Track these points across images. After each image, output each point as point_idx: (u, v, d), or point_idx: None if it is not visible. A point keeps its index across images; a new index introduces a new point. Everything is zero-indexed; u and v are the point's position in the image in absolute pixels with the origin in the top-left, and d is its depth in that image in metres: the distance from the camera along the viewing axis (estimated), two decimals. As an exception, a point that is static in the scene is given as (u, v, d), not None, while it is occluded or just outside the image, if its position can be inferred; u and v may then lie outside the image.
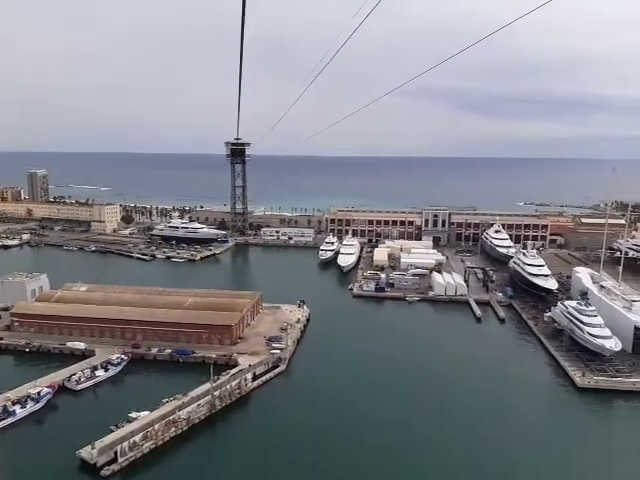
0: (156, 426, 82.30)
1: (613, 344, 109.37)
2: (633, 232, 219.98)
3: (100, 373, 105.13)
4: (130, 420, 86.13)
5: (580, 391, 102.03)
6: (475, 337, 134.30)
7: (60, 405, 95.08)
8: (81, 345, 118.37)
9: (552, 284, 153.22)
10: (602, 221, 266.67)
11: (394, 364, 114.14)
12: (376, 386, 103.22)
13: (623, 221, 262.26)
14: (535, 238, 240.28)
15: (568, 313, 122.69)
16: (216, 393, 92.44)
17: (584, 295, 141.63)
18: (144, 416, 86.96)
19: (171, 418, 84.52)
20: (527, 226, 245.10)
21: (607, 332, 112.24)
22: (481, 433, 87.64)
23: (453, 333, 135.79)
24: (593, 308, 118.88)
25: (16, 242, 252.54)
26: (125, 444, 77.63)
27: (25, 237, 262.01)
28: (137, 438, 79.22)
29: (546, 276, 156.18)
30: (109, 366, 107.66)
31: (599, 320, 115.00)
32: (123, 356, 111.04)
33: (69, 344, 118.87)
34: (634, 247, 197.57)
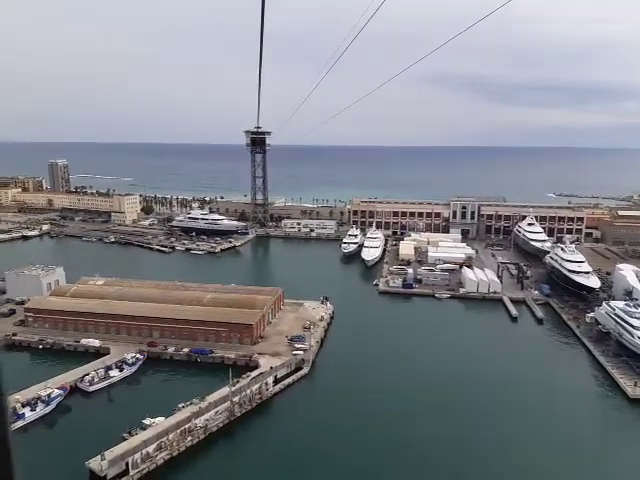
0: (171, 435, 76.31)
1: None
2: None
3: (114, 373, 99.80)
4: (144, 427, 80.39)
5: (632, 402, 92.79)
6: (511, 338, 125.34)
7: (72, 408, 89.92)
8: (96, 343, 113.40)
9: (594, 282, 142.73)
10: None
11: (425, 366, 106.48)
12: (405, 391, 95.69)
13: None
14: (570, 231, 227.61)
15: (615, 315, 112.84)
16: (235, 399, 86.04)
17: (629, 294, 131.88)
18: (158, 422, 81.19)
19: (187, 427, 78.39)
20: (562, 219, 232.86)
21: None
22: (520, 445, 79.83)
23: (487, 333, 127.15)
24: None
25: (36, 232, 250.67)
26: (137, 455, 71.84)
27: (45, 228, 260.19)
28: (150, 449, 73.30)
29: (587, 273, 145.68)
30: (124, 366, 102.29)
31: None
32: (138, 355, 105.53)
33: (83, 341, 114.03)
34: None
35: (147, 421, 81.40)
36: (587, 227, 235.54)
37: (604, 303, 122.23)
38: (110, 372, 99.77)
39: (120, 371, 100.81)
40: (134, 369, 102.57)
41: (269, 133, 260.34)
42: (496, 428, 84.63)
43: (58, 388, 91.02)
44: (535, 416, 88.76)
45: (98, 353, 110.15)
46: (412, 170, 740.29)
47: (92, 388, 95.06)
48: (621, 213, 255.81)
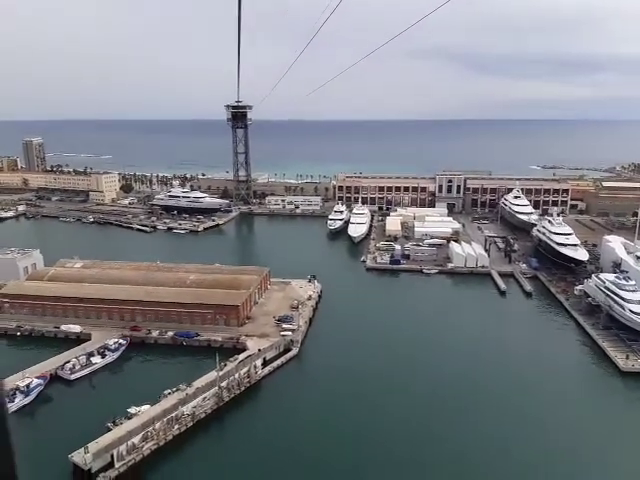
0: (157, 425, 73.49)
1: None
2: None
3: (96, 360, 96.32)
4: (129, 416, 77.53)
5: (624, 375, 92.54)
6: (501, 313, 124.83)
7: (52, 398, 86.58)
8: (76, 328, 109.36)
9: (582, 255, 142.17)
10: (625, 185, 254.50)
11: (414, 344, 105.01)
12: (396, 369, 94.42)
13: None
14: (555, 203, 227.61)
15: (605, 287, 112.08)
16: (223, 384, 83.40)
17: (618, 266, 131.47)
18: (144, 411, 78.33)
19: (174, 415, 75.65)
20: (547, 191, 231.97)
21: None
22: (513, 420, 79.35)
23: (476, 308, 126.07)
24: (634, 282, 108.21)
25: (11, 214, 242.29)
26: (123, 447, 69.00)
27: (21, 208, 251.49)
28: (136, 440, 70.49)
29: (575, 246, 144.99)
30: (106, 352, 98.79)
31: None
32: (121, 340, 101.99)
33: (63, 327, 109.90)
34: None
35: (132, 410, 78.44)
36: (572, 199, 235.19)
37: (593, 275, 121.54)
38: (92, 359, 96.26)
39: (102, 357, 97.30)
40: (117, 355, 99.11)
41: (250, 107, 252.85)
42: (487, 403, 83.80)
43: (37, 377, 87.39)
44: (526, 390, 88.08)
45: (79, 339, 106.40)
46: (397, 144, 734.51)
47: (74, 376, 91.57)
48: (605, 184, 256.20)
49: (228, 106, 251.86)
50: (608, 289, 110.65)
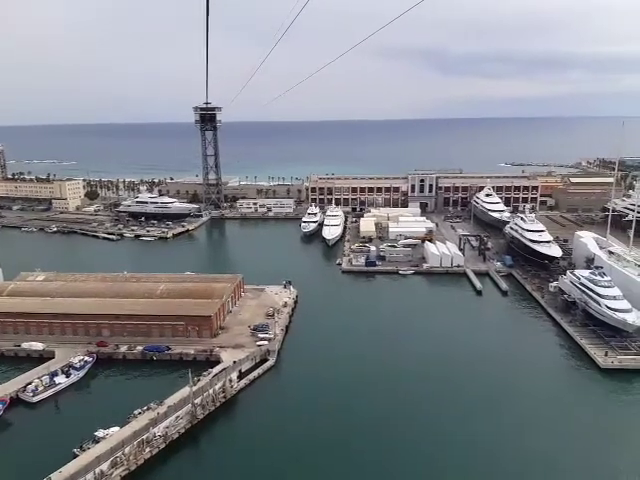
0: (127, 448, 69.06)
1: (635, 318, 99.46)
2: (630, 191, 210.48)
3: (61, 380, 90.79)
4: (97, 440, 72.88)
5: (603, 372, 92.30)
6: (478, 312, 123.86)
7: (13, 423, 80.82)
8: (39, 346, 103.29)
9: (556, 251, 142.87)
10: (592, 180, 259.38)
11: (393, 348, 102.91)
12: (377, 376, 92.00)
13: (612, 179, 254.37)
14: (525, 200, 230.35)
15: (580, 284, 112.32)
16: (197, 400, 79.24)
17: (590, 262, 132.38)
18: (113, 433, 73.80)
19: (144, 437, 71.24)
20: (517, 188, 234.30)
21: (627, 305, 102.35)
22: (493, 421, 78.12)
23: (454, 309, 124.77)
24: (609, 278, 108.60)
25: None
26: (90, 475, 64.40)
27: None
28: (105, 466, 65.96)
29: (548, 242, 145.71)
30: (71, 370, 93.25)
31: (617, 291, 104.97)
32: (87, 357, 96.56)
33: (25, 345, 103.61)
34: (631, 207, 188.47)
35: (100, 433, 73.86)
36: (541, 195, 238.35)
37: (568, 272, 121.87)
38: (56, 378, 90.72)
39: (67, 377, 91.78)
40: (82, 373, 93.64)
41: (219, 109, 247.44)
42: (466, 405, 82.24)
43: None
44: (506, 390, 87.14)
45: (42, 358, 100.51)
46: (365, 144, 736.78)
47: (36, 398, 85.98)
48: (574, 180, 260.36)
49: (196, 108, 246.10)
50: (583, 285, 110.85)
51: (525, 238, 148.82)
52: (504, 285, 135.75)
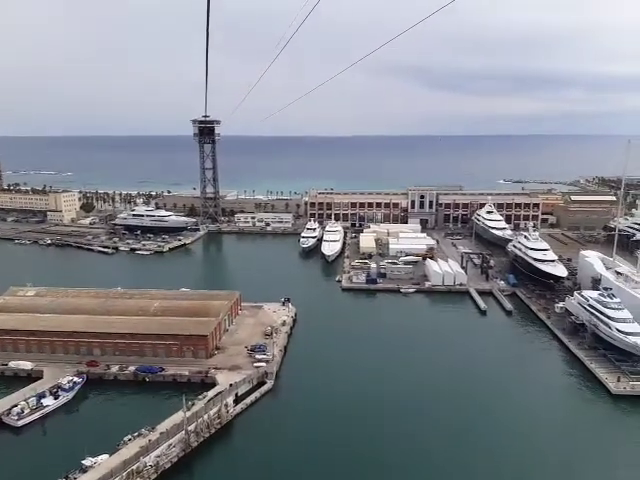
0: (116, 479, 64.60)
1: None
2: (633, 210, 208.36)
3: (48, 402, 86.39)
4: (84, 469, 68.55)
5: (615, 398, 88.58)
6: (482, 333, 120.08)
7: (-5, 449, 76.17)
8: (27, 365, 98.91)
9: (561, 271, 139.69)
10: (593, 198, 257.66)
11: (397, 371, 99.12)
12: (378, 400, 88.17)
13: (613, 197, 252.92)
14: (526, 218, 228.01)
15: (589, 306, 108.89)
16: (191, 427, 74.97)
17: (597, 282, 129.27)
18: (101, 462, 69.43)
19: (135, 467, 66.84)
20: (518, 205, 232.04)
21: (638, 328, 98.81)
22: (501, 448, 74.47)
23: (458, 329, 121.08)
24: (619, 300, 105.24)
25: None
26: (74, 510, 59.90)
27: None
28: (90, 500, 61.52)
29: (553, 261, 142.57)
30: (59, 392, 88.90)
31: (627, 314, 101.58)
32: (76, 378, 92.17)
33: (12, 364, 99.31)
34: (635, 226, 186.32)
35: (87, 461, 69.53)
36: (542, 213, 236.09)
37: (575, 293, 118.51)
38: (43, 401, 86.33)
39: (55, 399, 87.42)
40: (71, 395, 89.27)
41: (218, 122, 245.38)
42: (473, 431, 78.42)
43: (-23, 426, 77.19)
44: (515, 416, 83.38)
45: (30, 377, 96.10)
46: (363, 160, 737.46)
47: (21, 422, 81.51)
48: (574, 198, 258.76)
49: (195, 121, 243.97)
50: (592, 307, 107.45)
51: (529, 257, 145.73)
52: (508, 305, 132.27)
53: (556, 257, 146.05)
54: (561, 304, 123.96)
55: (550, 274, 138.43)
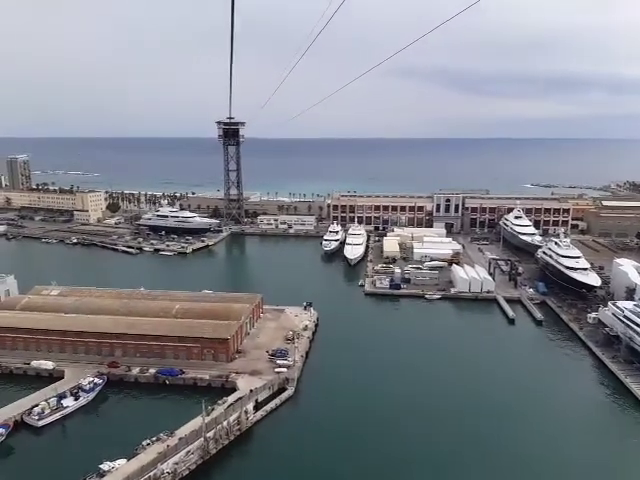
0: (133, 486, 63.41)
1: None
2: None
3: (69, 402, 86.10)
4: (101, 473, 67.57)
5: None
6: (511, 343, 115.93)
7: (15, 449, 76.11)
8: (48, 365, 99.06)
9: (594, 280, 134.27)
10: (626, 204, 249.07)
11: (420, 379, 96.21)
12: (402, 410, 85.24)
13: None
14: (556, 223, 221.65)
15: (625, 317, 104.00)
16: (210, 434, 73.42)
17: (632, 292, 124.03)
18: (119, 467, 68.34)
19: (152, 474, 65.56)
20: (547, 210, 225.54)
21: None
22: (528, 465, 70.86)
23: (485, 338, 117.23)
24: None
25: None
26: (90, 516, 58.79)
27: (1, 229, 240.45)
28: (107, 507, 60.36)
29: (585, 269, 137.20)
30: (80, 393, 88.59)
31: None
32: (97, 379, 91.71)
33: (34, 363, 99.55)
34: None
35: (105, 466, 68.54)
36: (572, 219, 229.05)
37: (610, 303, 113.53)
38: (63, 401, 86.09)
39: (75, 399, 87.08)
40: (92, 396, 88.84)
41: (243, 124, 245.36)
42: (503, 449, 75.09)
43: (-1, 426, 77.10)
44: (546, 433, 79.16)
45: (51, 377, 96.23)
46: (385, 163, 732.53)
47: (42, 422, 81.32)
48: (605, 203, 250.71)
49: (219, 122, 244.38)
50: (628, 319, 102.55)
51: (560, 264, 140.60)
52: (538, 314, 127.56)
53: (588, 265, 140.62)
54: (594, 314, 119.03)
55: (583, 283, 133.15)
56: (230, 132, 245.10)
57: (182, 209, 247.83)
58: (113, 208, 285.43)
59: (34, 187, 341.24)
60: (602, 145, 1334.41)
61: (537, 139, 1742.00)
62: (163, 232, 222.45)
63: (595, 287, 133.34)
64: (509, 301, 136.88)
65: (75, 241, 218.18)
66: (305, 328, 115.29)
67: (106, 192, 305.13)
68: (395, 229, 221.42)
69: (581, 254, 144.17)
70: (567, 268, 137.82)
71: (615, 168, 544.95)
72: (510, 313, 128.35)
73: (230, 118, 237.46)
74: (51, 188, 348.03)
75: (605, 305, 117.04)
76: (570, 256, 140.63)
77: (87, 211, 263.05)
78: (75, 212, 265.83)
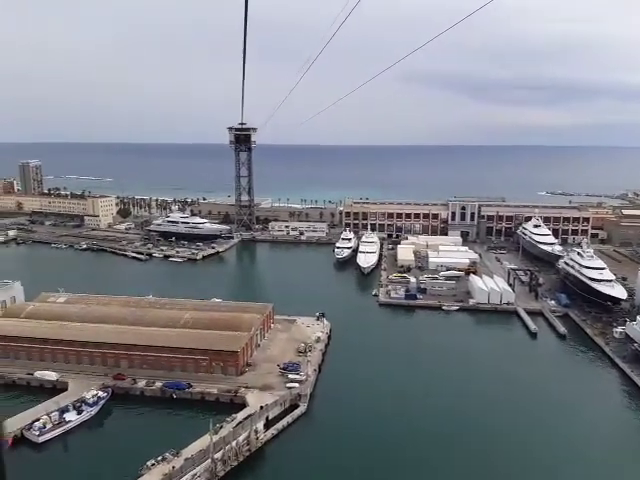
0: (134, 512, 59.18)
1: None
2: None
3: (71, 417, 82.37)
4: (102, 497, 63.38)
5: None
6: (534, 358, 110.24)
7: (12, 468, 71.54)
8: (52, 376, 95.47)
9: (620, 292, 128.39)
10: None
11: (439, 394, 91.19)
12: (420, 426, 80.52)
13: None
14: (575, 232, 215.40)
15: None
16: (217, 455, 69.07)
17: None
18: (121, 489, 64.17)
19: (156, 499, 61.31)
20: (566, 219, 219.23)
21: None
22: None
23: (506, 353, 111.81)
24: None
25: (1, 239, 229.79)
26: None
27: (11, 233, 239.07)
28: (106, 535, 56.12)
29: (610, 281, 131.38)
30: (83, 406, 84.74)
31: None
32: (101, 393, 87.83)
33: (37, 374, 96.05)
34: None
35: (106, 488, 64.39)
36: (592, 228, 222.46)
37: (638, 317, 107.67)
38: (66, 415, 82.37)
39: (78, 413, 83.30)
40: (95, 410, 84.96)
41: (254, 129, 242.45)
42: (529, 469, 69.81)
43: (-3, 442, 73.27)
44: (568, 451, 74.36)
45: (55, 388, 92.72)
46: (397, 170, 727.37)
47: (42, 438, 77.55)
48: (626, 212, 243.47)
49: (231, 128, 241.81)
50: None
51: (584, 276, 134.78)
52: (562, 328, 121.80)
53: (613, 277, 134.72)
54: (620, 329, 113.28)
55: (608, 295, 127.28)
56: (242, 138, 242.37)
57: (193, 215, 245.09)
58: (124, 213, 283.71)
59: (45, 192, 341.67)
60: (619, 153, 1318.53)
61: (547, 147, 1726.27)
62: (173, 238, 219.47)
63: (621, 300, 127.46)
64: (530, 313, 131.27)
65: (85, 246, 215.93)
66: (317, 340, 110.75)
67: (117, 197, 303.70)
68: (409, 237, 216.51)
69: (605, 265, 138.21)
70: (591, 280, 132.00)
71: (627, 176, 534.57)
72: (532, 326, 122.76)
73: (242, 124, 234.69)
74: (63, 193, 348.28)
75: (631, 319, 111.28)
76: (594, 267, 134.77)
77: (98, 216, 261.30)
78: (86, 217, 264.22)
